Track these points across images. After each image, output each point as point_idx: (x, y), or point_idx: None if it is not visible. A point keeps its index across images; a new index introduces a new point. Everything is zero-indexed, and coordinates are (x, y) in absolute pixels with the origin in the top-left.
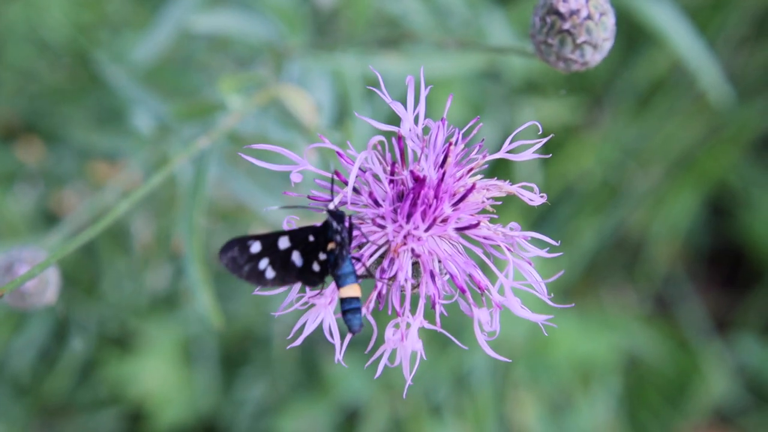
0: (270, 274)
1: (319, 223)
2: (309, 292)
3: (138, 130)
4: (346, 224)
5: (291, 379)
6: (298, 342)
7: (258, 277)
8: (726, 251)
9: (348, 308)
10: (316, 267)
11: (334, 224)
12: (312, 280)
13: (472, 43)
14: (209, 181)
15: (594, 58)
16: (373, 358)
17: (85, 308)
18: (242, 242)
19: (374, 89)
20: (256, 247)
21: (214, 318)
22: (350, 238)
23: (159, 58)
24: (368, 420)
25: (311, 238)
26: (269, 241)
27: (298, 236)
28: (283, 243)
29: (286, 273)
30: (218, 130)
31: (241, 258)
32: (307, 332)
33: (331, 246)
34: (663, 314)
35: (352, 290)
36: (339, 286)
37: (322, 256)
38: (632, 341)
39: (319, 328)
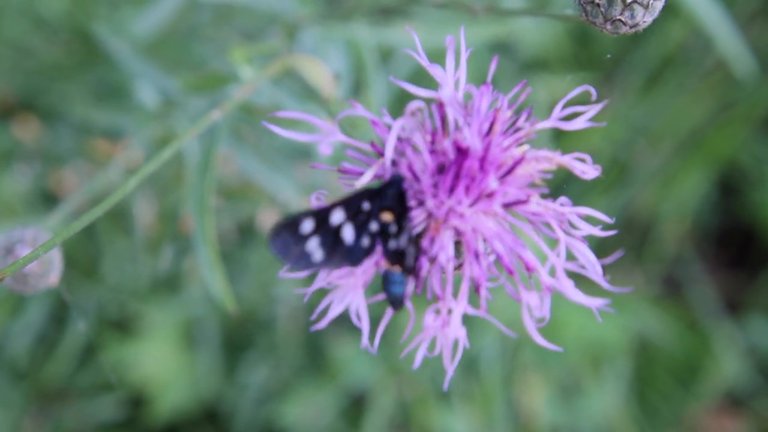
0: (318, 256)
1: (374, 187)
2: (337, 271)
3: (141, 105)
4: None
5: (295, 363)
6: (322, 325)
7: (306, 261)
8: (736, 231)
9: (393, 285)
10: (365, 241)
11: (394, 190)
12: (359, 257)
13: (504, 9)
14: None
15: (645, 19)
16: (410, 347)
17: (84, 291)
18: (294, 222)
19: (411, 52)
20: (307, 226)
21: (227, 301)
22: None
23: (161, 31)
24: (374, 405)
25: (366, 206)
26: (321, 216)
27: (352, 205)
28: (336, 217)
29: (335, 253)
30: (231, 102)
31: (292, 240)
32: (332, 315)
33: (387, 216)
34: (672, 295)
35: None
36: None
37: (374, 227)
38: (641, 323)
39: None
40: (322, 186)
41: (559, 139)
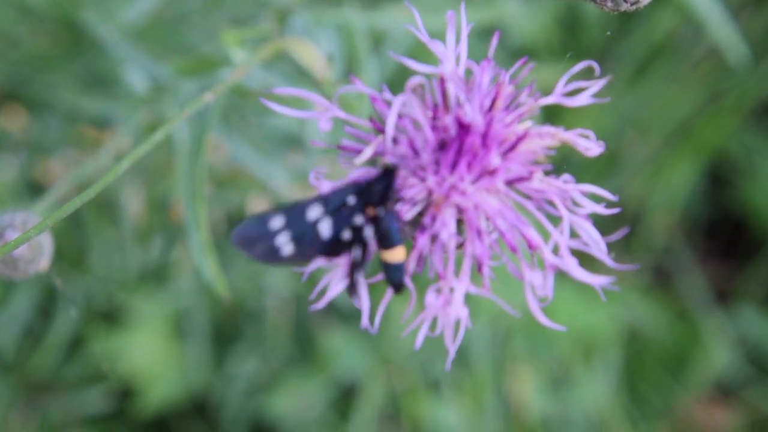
0: (287, 250)
1: (361, 179)
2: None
3: (130, 92)
4: (397, 183)
5: (284, 354)
6: (322, 305)
7: (272, 255)
8: (725, 221)
9: (392, 272)
10: (347, 235)
11: (382, 185)
12: (338, 250)
13: None
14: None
15: None
16: (411, 326)
17: (71, 281)
18: (260, 219)
19: (412, 28)
20: (277, 223)
21: (220, 289)
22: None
23: (150, 18)
24: (364, 395)
25: (351, 201)
26: (295, 213)
27: (334, 201)
28: (313, 213)
29: (307, 246)
30: (223, 84)
31: (256, 235)
32: (331, 294)
33: (372, 212)
34: (662, 285)
35: (398, 253)
36: (383, 248)
37: (358, 221)
38: (631, 313)
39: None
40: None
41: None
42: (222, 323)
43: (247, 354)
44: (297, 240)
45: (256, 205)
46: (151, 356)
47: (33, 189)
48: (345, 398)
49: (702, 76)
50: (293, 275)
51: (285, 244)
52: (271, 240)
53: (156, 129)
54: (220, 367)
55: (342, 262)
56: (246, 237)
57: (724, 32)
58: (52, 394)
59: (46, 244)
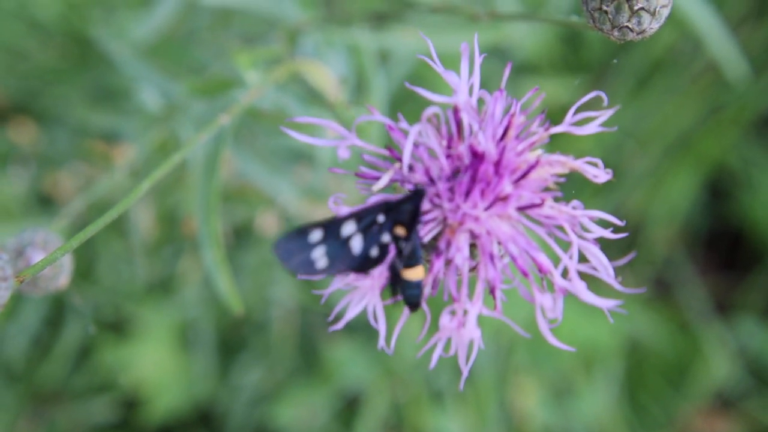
0: (321, 263)
1: (393, 198)
2: (354, 274)
3: (140, 108)
4: (423, 206)
5: (289, 365)
6: (340, 326)
7: (308, 267)
8: (725, 233)
9: (410, 289)
10: (374, 252)
11: (411, 206)
12: (366, 266)
13: (505, 14)
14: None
15: (651, 26)
16: (426, 347)
17: (80, 293)
18: (302, 232)
19: (425, 58)
20: (316, 236)
21: (233, 303)
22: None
23: (160, 35)
24: (368, 406)
25: (380, 219)
26: (333, 228)
27: (366, 218)
28: (348, 229)
29: (339, 261)
30: (238, 106)
31: (296, 248)
32: (349, 316)
33: (401, 231)
34: (663, 297)
35: (418, 272)
36: (405, 266)
37: (386, 239)
38: (632, 325)
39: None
40: (320, 189)
41: (550, 145)
42: (228, 334)
43: (253, 364)
44: (331, 255)
45: (265, 220)
46: (157, 366)
47: (42, 201)
48: (349, 409)
49: (702, 89)
50: (299, 287)
51: (320, 257)
52: (308, 253)
53: (168, 146)
54: (225, 378)
55: (361, 284)
56: (287, 250)
57: (722, 48)
58: (59, 404)
59: (66, 262)
